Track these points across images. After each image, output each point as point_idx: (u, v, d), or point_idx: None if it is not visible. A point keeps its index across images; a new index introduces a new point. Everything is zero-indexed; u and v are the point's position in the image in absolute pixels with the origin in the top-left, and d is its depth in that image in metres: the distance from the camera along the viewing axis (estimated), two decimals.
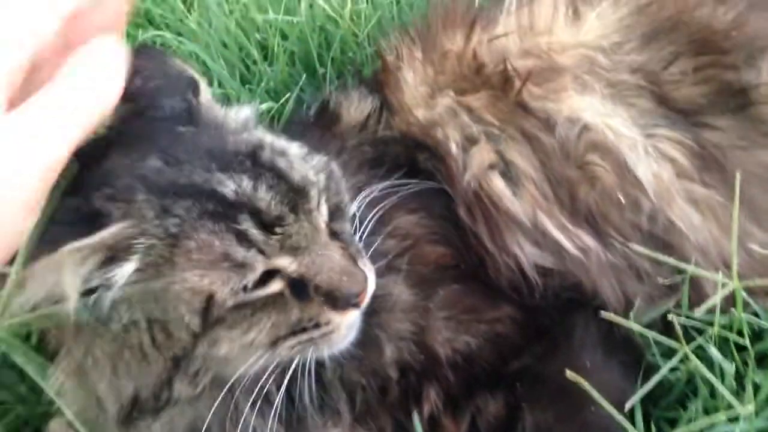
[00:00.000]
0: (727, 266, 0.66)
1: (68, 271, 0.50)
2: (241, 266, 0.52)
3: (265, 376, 0.58)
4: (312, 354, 0.58)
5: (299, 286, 0.56)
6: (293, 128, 0.86)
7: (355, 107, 0.81)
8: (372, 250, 0.66)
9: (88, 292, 0.52)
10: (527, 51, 0.76)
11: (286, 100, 0.96)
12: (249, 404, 0.59)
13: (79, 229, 0.49)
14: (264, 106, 0.95)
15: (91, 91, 0.49)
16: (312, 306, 0.56)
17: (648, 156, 0.71)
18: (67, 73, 0.49)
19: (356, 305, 0.57)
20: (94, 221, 0.50)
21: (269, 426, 0.61)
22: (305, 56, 1.06)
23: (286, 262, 0.55)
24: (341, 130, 0.80)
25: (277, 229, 0.54)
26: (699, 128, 0.73)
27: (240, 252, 0.52)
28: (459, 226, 0.72)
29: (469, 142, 0.73)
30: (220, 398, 0.57)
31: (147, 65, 0.58)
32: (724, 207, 0.70)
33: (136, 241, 0.51)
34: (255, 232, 0.53)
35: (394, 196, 0.70)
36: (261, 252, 0.53)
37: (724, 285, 0.58)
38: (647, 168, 0.70)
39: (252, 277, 0.53)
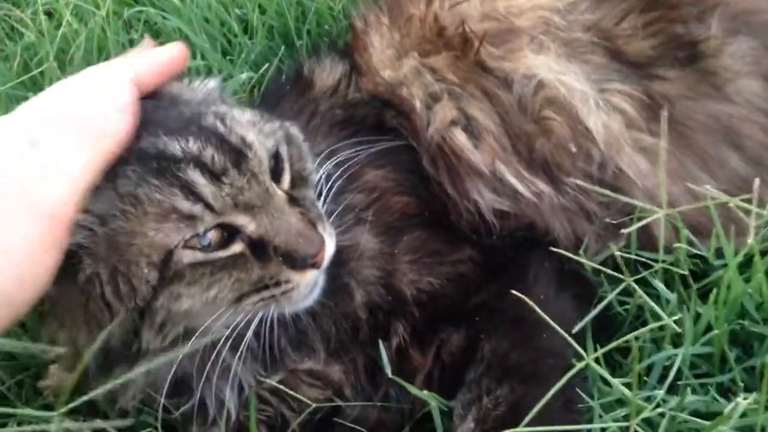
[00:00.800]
0: (673, 208, 0.71)
1: None
2: (189, 218, 0.55)
3: (233, 325, 0.61)
4: (274, 310, 0.61)
5: (259, 248, 0.59)
6: (270, 97, 0.91)
7: (327, 73, 0.84)
8: (341, 206, 0.69)
9: None
10: (486, 15, 0.80)
11: (266, 71, 1.01)
12: (225, 348, 0.62)
13: None
14: (244, 76, 1.00)
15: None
16: (272, 266, 0.59)
17: (599, 108, 0.75)
18: None
19: (315, 265, 0.60)
20: None
21: (245, 364, 0.65)
22: (283, 29, 1.10)
23: (244, 221, 0.58)
24: (314, 95, 0.83)
25: (224, 179, 0.57)
26: (649, 80, 0.77)
27: (186, 205, 0.55)
28: (424, 178, 0.76)
29: (433, 99, 0.78)
30: (190, 345, 0.60)
31: None
32: (671, 154, 0.74)
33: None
34: (202, 183, 0.56)
35: (363, 154, 0.74)
36: (209, 206, 0.56)
37: (654, 213, 0.63)
38: (597, 119, 0.75)
39: (203, 228, 0.56)
